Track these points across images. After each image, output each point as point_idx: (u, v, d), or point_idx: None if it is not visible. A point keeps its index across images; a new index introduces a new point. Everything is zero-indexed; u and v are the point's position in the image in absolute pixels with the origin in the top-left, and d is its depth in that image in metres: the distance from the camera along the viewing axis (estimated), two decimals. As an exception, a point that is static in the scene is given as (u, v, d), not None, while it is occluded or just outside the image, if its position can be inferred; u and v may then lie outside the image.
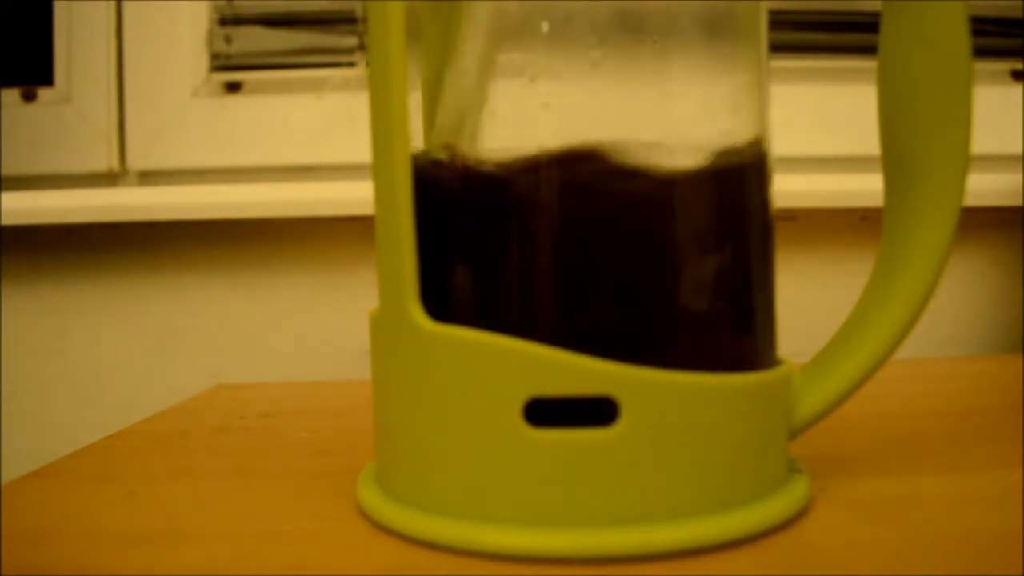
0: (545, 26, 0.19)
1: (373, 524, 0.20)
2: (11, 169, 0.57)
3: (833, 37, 0.57)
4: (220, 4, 0.58)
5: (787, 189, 0.49)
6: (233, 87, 0.58)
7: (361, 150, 0.51)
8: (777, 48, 0.56)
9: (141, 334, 0.54)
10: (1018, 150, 0.55)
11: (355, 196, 0.49)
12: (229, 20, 0.58)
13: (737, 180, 0.20)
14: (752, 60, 0.21)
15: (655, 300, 0.19)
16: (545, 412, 0.18)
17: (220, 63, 0.58)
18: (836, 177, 0.52)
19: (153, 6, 0.57)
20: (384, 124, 0.19)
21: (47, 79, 0.58)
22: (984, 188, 0.50)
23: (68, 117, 0.58)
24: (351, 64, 0.57)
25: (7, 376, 0.54)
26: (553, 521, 0.18)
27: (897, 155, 0.22)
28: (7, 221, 0.50)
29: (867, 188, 0.50)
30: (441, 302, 0.19)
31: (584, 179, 0.18)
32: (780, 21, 0.57)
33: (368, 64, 0.20)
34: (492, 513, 0.18)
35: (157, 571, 0.18)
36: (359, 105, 0.56)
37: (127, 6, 0.57)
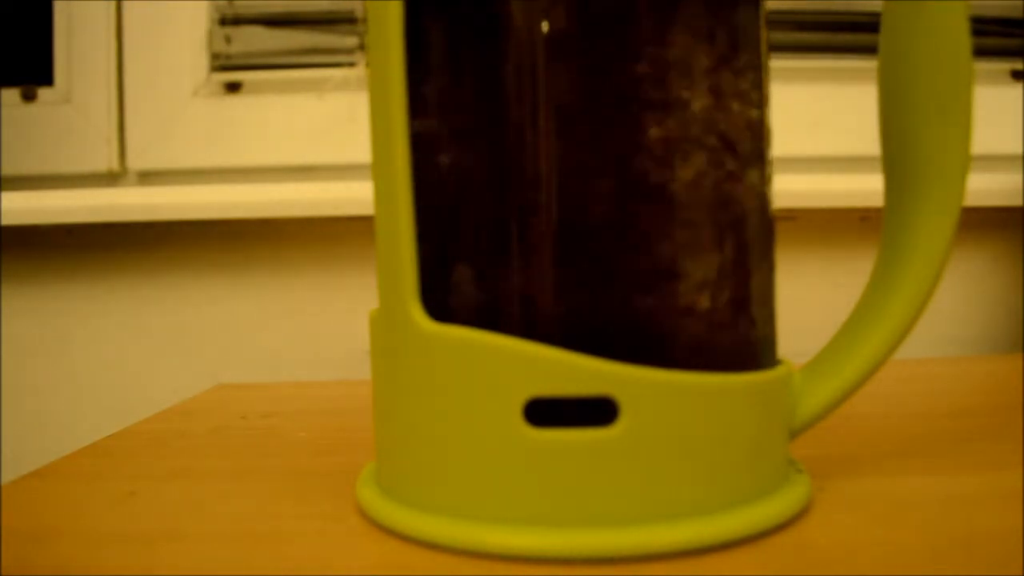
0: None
1: (373, 524, 0.20)
2: (11, 169, 0.57)
3: (833, 37, 0.57)
4: (220, 4, 0.58)
5: (787, 189, 0.50)
6: (233, 87, 0.58)
7: (361, 150, 0.51)
8: (777, 48, 0.56)
9: (141, 334, 0.54)
10: (1018, 150, 0.55)
11: (355, 196, 0.49)
12: (229, 20, 0.58)
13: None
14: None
15: (655, 300, 0.19)
16: (545, 412, 0.18)
17: (220, 63, 0.58)
18: (836, 177, 0.52)
19: (153, 6, 0.57)
20: (384, 124, 0.19)
21: (47, 79, 0.58)
22: (984, 188, 0.50)
23: (68, 117, 0.58)
24: (351, 64, 0.57)
25: (7, 376, 0.54)
26: (553, 521, 0.18)
27: (897, 155, 0.22)
28: (7, 221, 0.50)
29: (867, 188, 0.50)
30: (441, 302, 0.19)
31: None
32: (780, 21, 0.57)
33: (368, 64, 0.20)
34: (492, 513, 0.18)
35: (157, 571, 0.18)
36: (359, 105, 0.56)
37: (127, 6, 0.57)
